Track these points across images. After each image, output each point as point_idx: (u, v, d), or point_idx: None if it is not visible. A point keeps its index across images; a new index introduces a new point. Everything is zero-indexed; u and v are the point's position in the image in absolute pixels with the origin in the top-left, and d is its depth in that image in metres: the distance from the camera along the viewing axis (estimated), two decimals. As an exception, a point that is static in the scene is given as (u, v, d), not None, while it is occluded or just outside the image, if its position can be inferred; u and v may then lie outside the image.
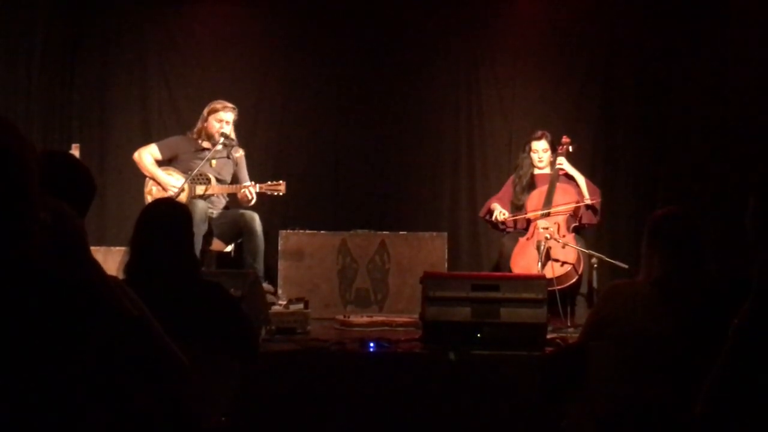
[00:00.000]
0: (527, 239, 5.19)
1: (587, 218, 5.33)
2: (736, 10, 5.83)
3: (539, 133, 5.49)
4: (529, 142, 5.52)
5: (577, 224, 5.30)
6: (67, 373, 1.28)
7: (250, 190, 5.13)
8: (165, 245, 2.65)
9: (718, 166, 5.75)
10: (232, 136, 5.36)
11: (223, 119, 5.29)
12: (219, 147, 5.29)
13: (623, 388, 2.58)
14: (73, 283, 1.33)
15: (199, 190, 5.21)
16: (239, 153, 5.42)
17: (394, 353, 3.91)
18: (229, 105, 5.35)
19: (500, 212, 5.36)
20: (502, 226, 5.45)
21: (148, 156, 5.33)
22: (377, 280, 5.45)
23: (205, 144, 5.34)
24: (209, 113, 5.32)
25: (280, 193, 5.19)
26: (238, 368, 2.92)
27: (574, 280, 5.01)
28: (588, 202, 5.27)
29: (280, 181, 5.18)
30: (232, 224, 5.23)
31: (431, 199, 6.36)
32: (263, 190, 5.18)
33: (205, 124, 5.32)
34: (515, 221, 5.42)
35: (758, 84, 5.62)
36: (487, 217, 5.53)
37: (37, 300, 1.28)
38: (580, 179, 5.37)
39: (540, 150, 5.45)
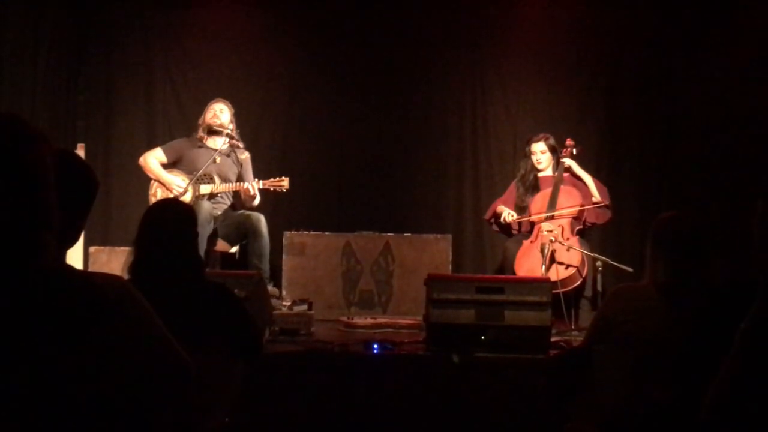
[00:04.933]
0: (531, 242, 5.18)
1: (594, 217, 5.32)
2: (742, 11, 5.81)
3: (538, 135, 5.50)
4: (528, 145, 5.54)
5: (581, 227, 5.30)
6: (78, 377, 1.28)
7: (253, 185, 5.16)
8: (169, 245, 2.64)
9: (725, 169, 5.73)
10: (234, 134, 5.38)
11: (215, 109, 5.40)
12: (225, 146, 5.31)
13: (627, 392, 2.57)
14: (84, 289, 1.33)
15: (204, 190, 5.22)
16: (245, 155, 5.44)
17: (397, 355, 3.91)
18: (221, 99, 5.47)
19: (508, 213, 5.36)
20: (515, 229, 5.44)
21: (153, 159, 5.36)
22: (381, 281, 5.45)
23: (210, 144, 5.36)
24: (205, 109, 5.44)
25: (284, 189, 5.21)
26: (241, 369, 2.92)
27: (578, 283, 5.00)
28: (598, 201, 5.27)
29: (284, 177, 5.20)
30: (237, 225, 5.23)
31: (436, 201, 6.36)
32: (267, 186, 5.20)
33: (202, 121, 5.40)
34: (520, 224, 5.41)
35: (765, 86, 5.60)
36: (493, 220, 5.53)
37: (50, 306, 1.28)
38: (588, 179, 5.37)
39: (538, 152, 5.45)
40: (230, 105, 5.46)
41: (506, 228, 5.45)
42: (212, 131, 5.36)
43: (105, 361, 1.32)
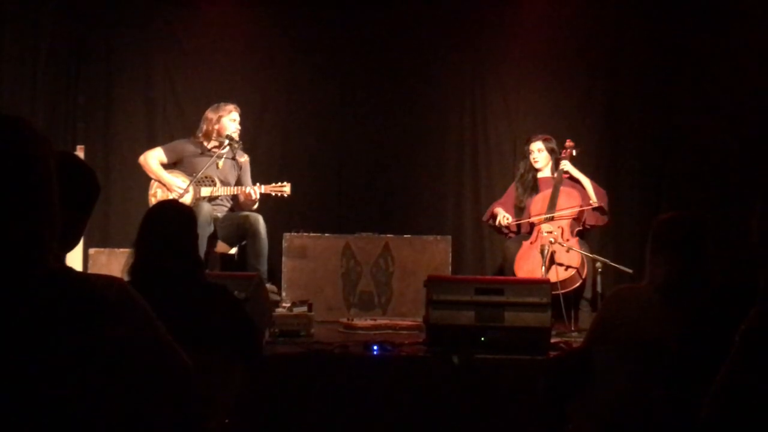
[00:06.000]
0: (531, 243, 5.19)
1: (594, 220, 5.33)
2: (742, 11, 5.81)
3: (537, 135, 5.51)
4: (527, 144, 5.55)
5: (581, 228, 5.30)
6: (78, 378, 1.28)
7: (255, 189, 5.15)
8: (169, 247, 2.64)
9: (724, 169, 5.73)
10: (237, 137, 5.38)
11: (236, 119, 5.37)
12: (225, 150, 5.30)
13: (627, 393, 2.57)
14: (84, 291, 1.33)
15: (204, 192, 5.22)
16: (244, 158, 5.45)
17: (397, 357, 3.90)
18: (234, 105, 5.43)
19: (504, 216, 5.37)
20: (506, 230, 5.46)
21: (153, 159, 5.36)
22: (381, 283, 5.45)
23: (212, 146, 5.36)
24: (221, 115, 5.35)
25: (285, 194, 5.21)
26: (241, 370, 2.91)
27: (578, 284, 5.00)
28: (594, 204, 5.27)
29: (285, 182, 5.20)
30: (236, 226, 5.23)
31: (435, 202, 6.36)
32: (268, 191, 5.19)
33: (217, 126, 5.34)
34: (519, 225, 5.42)
35: (765, 86, 5.60)
36: (491, 222, 5.54)
37: (50, 307, 1.28)
38: (586, 182, 5.37)
39: (535, 150, 5.46)
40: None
41: (501, 229, 5.46)
42: (221, 141, 5.33)
43: (105, 363, 1.32)
